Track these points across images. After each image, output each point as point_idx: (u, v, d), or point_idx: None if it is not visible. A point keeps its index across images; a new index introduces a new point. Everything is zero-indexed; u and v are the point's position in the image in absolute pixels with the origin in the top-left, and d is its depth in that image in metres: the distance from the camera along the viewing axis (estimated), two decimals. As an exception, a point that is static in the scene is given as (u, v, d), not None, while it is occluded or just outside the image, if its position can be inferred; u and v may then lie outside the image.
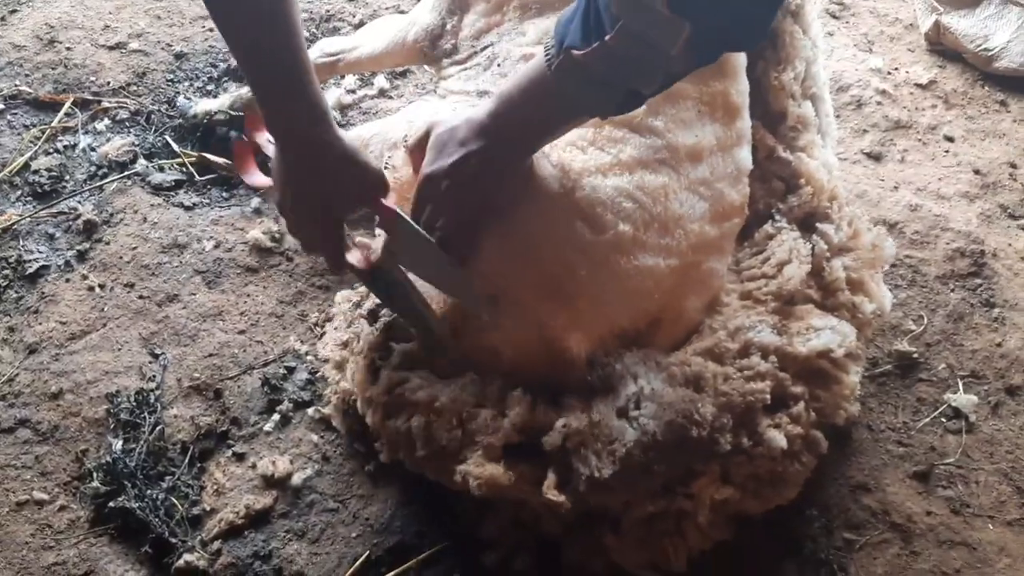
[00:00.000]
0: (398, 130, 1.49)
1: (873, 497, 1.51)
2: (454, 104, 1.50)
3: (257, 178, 1.42)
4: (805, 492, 1.44)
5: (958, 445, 1.57)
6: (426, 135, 1.36)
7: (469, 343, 1.38)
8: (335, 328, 1.57)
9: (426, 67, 1.94)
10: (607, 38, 1.08)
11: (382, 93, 2.09)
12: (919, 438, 1.58)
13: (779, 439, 1.31)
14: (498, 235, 1.35)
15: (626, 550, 1.34)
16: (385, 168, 1.48)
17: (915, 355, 1.67)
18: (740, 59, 1.55)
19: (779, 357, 1.37)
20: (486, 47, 1.55)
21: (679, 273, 1.39)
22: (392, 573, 1.42)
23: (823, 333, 1.40)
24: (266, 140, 1.34)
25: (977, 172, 1.97)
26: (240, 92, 1.96)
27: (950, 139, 2.05)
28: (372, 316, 1.48)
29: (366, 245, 1.36)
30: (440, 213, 1.34)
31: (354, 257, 1.35)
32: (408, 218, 1.34)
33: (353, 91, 2.07)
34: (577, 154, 1.40)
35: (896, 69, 2.19)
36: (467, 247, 1.35)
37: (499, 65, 1.52)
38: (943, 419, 1.61)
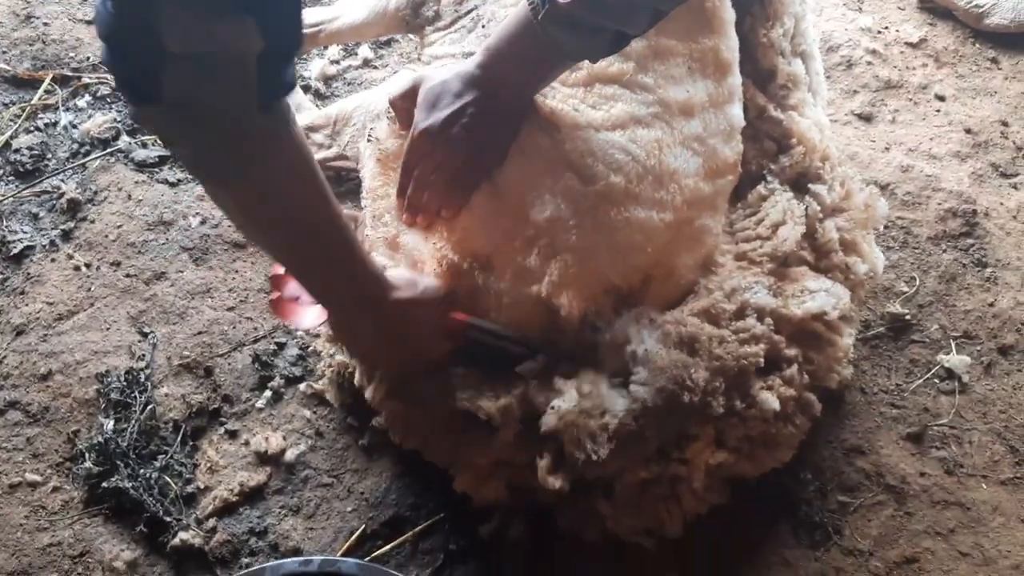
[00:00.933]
0: (381, 102, 1.47)
1: (867, 459, 1.52)
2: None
3: (307, 319, 1.39)
4: (799, 455, 1.45)
5: (951, 406, 1.57)
6: (413, 89, 1.36)
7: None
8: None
9: (410, 36, 1.91)
10: None
11: (366, 63, 2.05)
12: (912, 400, 1.58)
13: (772, 401, 1.31)
14: (487, 191, 1.34)
15: (620, 516, 1.34)
16: (368, 140, 1.46)
17: (907, 317, 1.66)
18: (728, 15, 1.52)
19: (774, 319, 1.37)
20: (470, 10, 1.52)
21: (672, 229, 1.37)
22: (388, 546, 1.42)
23: (818, 295, 1.40)
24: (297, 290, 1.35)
25: (968, 131, 1.96)
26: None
27: (941, 98, 2.03)
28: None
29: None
30: (435, 166, 1.34)
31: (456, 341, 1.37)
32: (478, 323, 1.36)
33: (337, 62, 2.04)
34: (568, 111, 1.38)
35: (886, 28, 2.16)
36: (464, 198, 1.35)
37: (484, 27, 1.49)
38: (936, 380, 1.61)
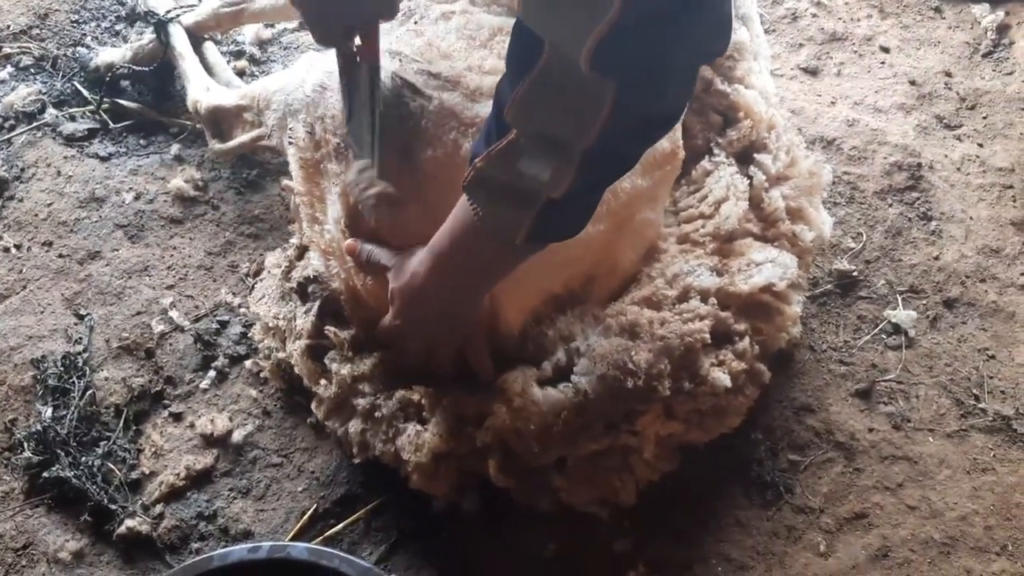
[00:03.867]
0: (298, 94, 1.41)
1: (816, 417, 1.53)
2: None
3: None
4: (749, 416, 1.45)
5: (898, 361, 1.59)
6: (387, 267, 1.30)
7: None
8: (266, 291, 1.51)
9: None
10: (504, 140, 0.98)
11: (302, 26, 1.99)
12: (860, 356, 1.59)
13: (723, 379, 1.30)
14: (421, 213, 1.29)
15: (574, 488, 1.33)
16: (289, 143, 1.42)
17: (855, 273, 1.67)
18: None
19: (720, 298, 1.36)
20: (402, -1, 1.47)
21: (611, 232, 1.34)
22: (341, 525, 1.40)
23: (764, 268, 1.39)
24: None
25: (913, 83, 1.95)
26: (141, 43, 1.84)
27: (886, 50, 2.02)
28: (302, 290, 1.43)
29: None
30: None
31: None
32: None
33: (271, 25, 1.97)
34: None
35: (831, -22, 2.14)
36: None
37: (415, 22, 1.43)
38: (883, 335, 1.62)
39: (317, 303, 1.41)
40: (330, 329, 1.39)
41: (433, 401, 1.30)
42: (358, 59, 1.28)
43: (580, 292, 1.36)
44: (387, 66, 1.31)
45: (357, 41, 1.29)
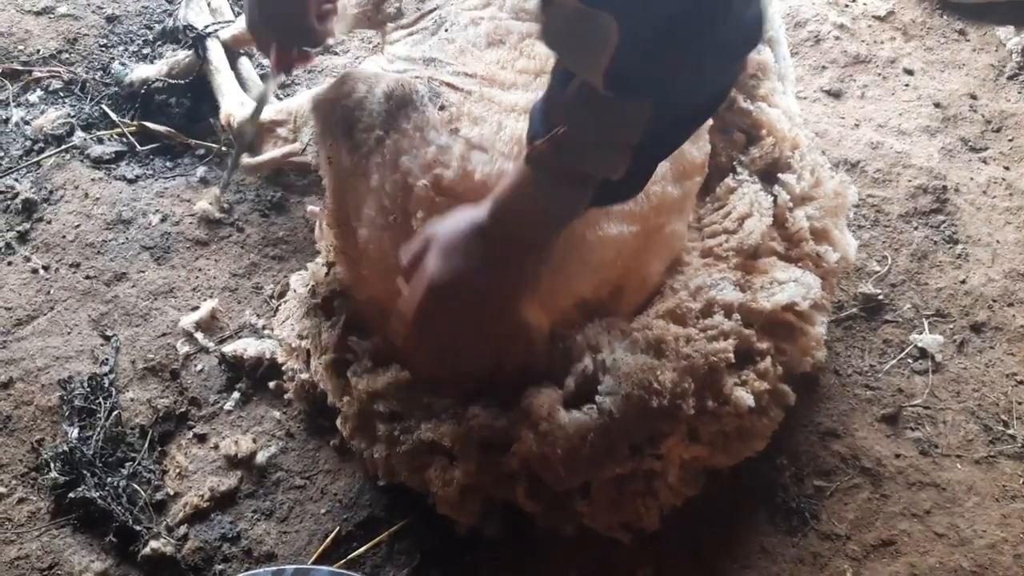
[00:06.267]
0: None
1: (842, 442, 1.51)
2: (399, 68, 1.45)
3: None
4: (774, 441, 1.44)
5: (925, 386, 1.57)
6: (423, 249, 1.21)
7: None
8: (290, 312, 1.52)
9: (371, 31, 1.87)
10: (559, 130, 1.01)
11: (327, 49, 2.01)
12: (886, 380, 1.58)
13: (746, 398, 1.30)
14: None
15: (597, 513, 1.33)
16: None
17: (880, 296, 1.66)
18: None
19: (743, 313, 1.35)
20: (432, 9, 1.49)
21: (642, 238, 1.35)
22: (363, 547, 1.40)
23: (787, 286, 1.38)
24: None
25: (937, 105, 1.95)
26: (177, 58, 1.87)
27: (910, 72, 2.02)
28: (328, 305, 1.43)
29: None
30: (449, 328, 1.24)
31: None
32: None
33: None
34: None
35: (853, 1, 2.14)
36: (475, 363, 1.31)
37: (446, 30, 1.45)
38: (909, 360, 1.60)
39: (343, 316, 1.41)
40: (352, 339, 1.40)
41: (459, 434, 1.30)
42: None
43: (608, 302, 1.36)
44: (421, 73, 1.37)
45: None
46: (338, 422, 1.42)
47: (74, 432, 1.47)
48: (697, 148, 1.42)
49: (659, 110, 0.94)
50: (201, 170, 1.80)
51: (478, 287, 1.18)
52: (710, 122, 1.47)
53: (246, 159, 1.70)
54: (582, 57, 0.92)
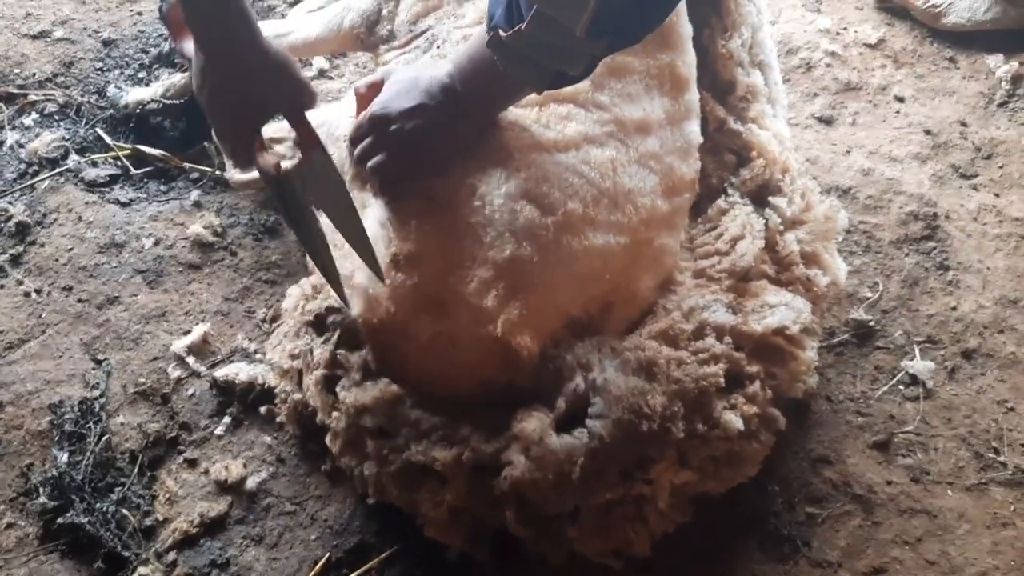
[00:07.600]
0: (342, 124, 1.44)
1: (834, 469, 1.51)
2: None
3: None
4: (765, 467, 1.44)
5: (916, 412, 1.57)
6: (380, 81, 1.37)
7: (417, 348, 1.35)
8: (284, 334, 1.52)
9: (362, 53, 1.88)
10: (523, 25, 1.09)
11: (322, 73, 2.02)
12: (878, 407, 1.58)
13: (735, 421, 1.30)
14: (440, 228, 1.31)
15: (587, 539, 1.32)
16: None
17: (871, 323, 1.66)
18: (686, 30, 1.51)
19: (734, 336, 1.36)
20: (424, 30, 1.50)
21: (631, 251, 1.36)
22: (354, 574, 1.39)
23: (778, 310, 1.39)
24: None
25: (928, 132, 1.96)
26: (173, 80, 1.88)
27: (900, 99, 2.03)
28: (320, 322, 1.44)
29: (280, 155, 1.34)
30: (380, 149, 1.34)
31: (264, 161, 1.29)
32: (327, 151, 1.32)
33: (307, 63, 2.00)
34: (520, 132, 1.36)
35: (845, 29, 2.16)
36: (396, 190, 1.36)
37: (438, 47, 1.47)
38: (901, 387, 1.61)
39: (336, 332, 1.42)
40: (341, 352, 1.40)
41: (450, 458, 1.29)
42: (304, 150, 1.31)
43: (598, 318, 1.37)
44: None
45: (293, 135, 1.37)
46: (327, 439, 1.41)
47: (64, 457, 1.47)
48: (687, 165, 1.44)
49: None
50: (195, 194, 1.80)
51: (431, 124, 1.31)
52: (700, 139, 1.49)
53: (236, 175, 1.71)
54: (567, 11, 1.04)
